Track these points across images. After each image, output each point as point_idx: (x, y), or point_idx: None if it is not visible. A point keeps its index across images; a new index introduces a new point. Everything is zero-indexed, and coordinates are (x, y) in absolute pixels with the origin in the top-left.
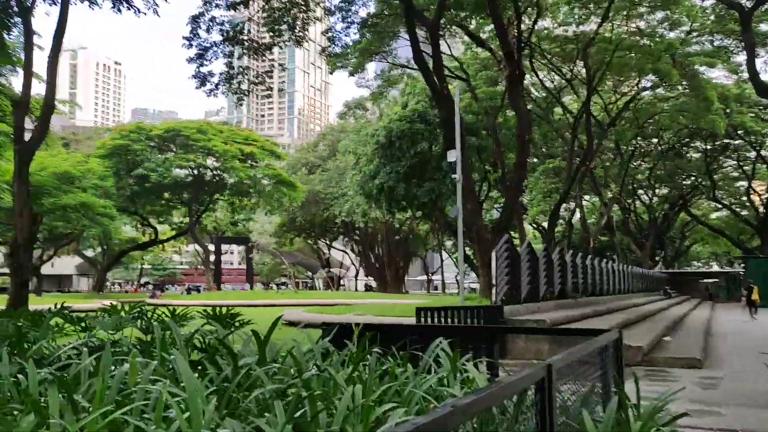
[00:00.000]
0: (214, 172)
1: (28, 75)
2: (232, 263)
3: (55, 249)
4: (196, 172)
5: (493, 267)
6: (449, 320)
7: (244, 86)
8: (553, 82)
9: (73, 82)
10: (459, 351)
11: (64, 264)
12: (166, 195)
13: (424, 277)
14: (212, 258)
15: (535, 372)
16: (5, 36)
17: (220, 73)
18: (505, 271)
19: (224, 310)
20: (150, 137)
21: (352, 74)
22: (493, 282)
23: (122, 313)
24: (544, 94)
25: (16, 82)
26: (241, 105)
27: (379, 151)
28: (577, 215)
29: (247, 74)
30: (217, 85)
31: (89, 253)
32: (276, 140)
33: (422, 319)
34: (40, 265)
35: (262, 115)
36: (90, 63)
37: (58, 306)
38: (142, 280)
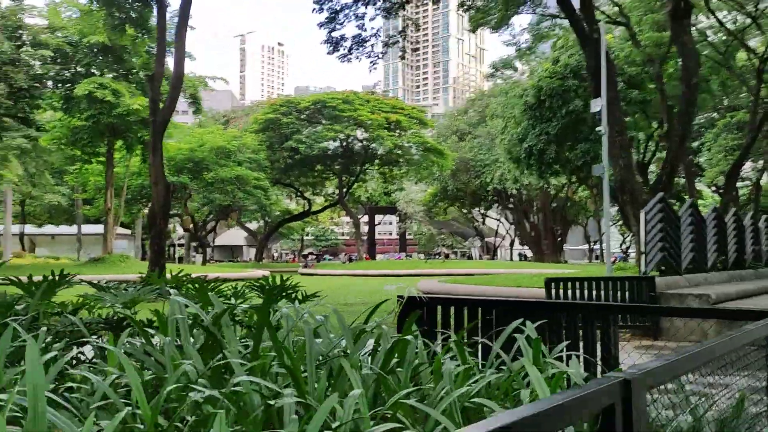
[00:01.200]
0: (363, 143)
1: (161, 50)
2: (390, 233)
3: (216, 221)
4: (345, 143)
5: (641, 230)
6: (585, 294)
7: (378, 49)
8: (735, 22)
9: (242, 65)
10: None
11: (236, 235)
12: (318, 167)
13: (586, 246)
14: (366, 228)
15: (601, 390)
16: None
17: (353, 37)
18: (659, 236)
19: (277, 280)
20: (299, 110)
21: (495, 29)
22: (642, 248)
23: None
24: (723, 37)
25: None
26: (374, 70)
27: (527, 112)
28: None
29: (379, 36)
30: (350, 49)
31: (253, 225)
32: (431, 110)
33: (552, 293)
34: (204, 236)
35: (417, 87)
36: (256, 46)
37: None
38: (306, 251)
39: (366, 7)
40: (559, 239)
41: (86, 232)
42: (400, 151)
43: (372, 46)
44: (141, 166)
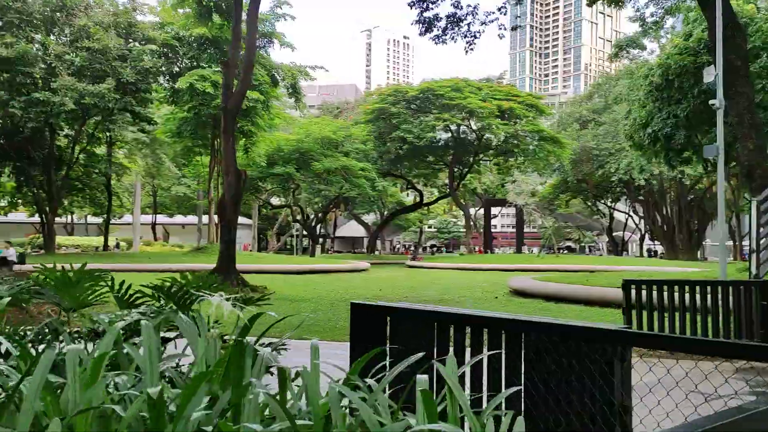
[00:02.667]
0: (475, 132)
1: (236, 38)
2: (510, 226)
3: (324, 212)
4: (456, 132)
5: (751, 224)
6: (667, 298)
7: (475, 27)
8: None
9: (368, 59)
10: None
11: (357, 227)
12: (430, 158)
13: (731, 242)
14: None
15: None
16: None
17: (447, 16)
18: None
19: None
20: (407, 99)
21: (613, 3)
22: (749, 245)
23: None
24: None
25: (274, 54)
26: (471, 51)
27: (653, 94)
28: None
29: (476, 14)
30: (444, 29)
31: (371, 217)
32: (559, 98)
33: (632, 297)
34: (313, 227)
35: (546, 75)
36: (382, 40)
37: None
38: (427, 243)
39: None
40: (695, 234)
41: (207, 222)
42: (515, 141)
43: (468, 25)
44: (244, 157)
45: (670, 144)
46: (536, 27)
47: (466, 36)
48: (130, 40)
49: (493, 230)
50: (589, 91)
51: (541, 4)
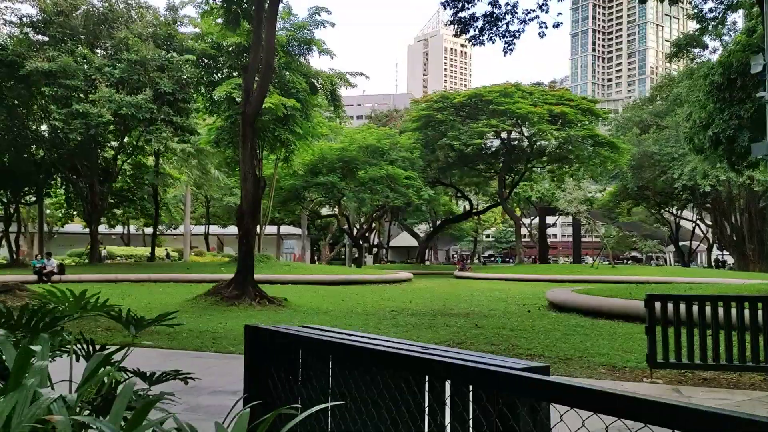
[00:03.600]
0: (526, 138)
1: (256, 42)
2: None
3: (371, 221)
4: (506, 139)
5: None
6: (698, 315)
7: (514, 27)
8: None
9: (425, 68)
10: None
11: (411, 237)
12: (481, 165)
13: None
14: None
15: None
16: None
17: (483, 15)
18: None
19: None
20: (454, 106)
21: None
22: None
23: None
24: None
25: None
26: (510, 52)
27: (713, 94)
28: None
29: (516, 12)
30: (481, 29)
31: (423, 226)
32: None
33: (657, 314)
34: (360, 236)
35: (609, 80)
36: (440, 48)
37: None
38: (486, 253)
39: None
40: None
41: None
42: (569, 147)
43: (507, 24)
44: (284, 166)
45: (732, 147)
46: (598, 31)
47: (504, 36)
48: (170, 51)
49: (554, 239)
50: (651, 93)
51: (604, 8)
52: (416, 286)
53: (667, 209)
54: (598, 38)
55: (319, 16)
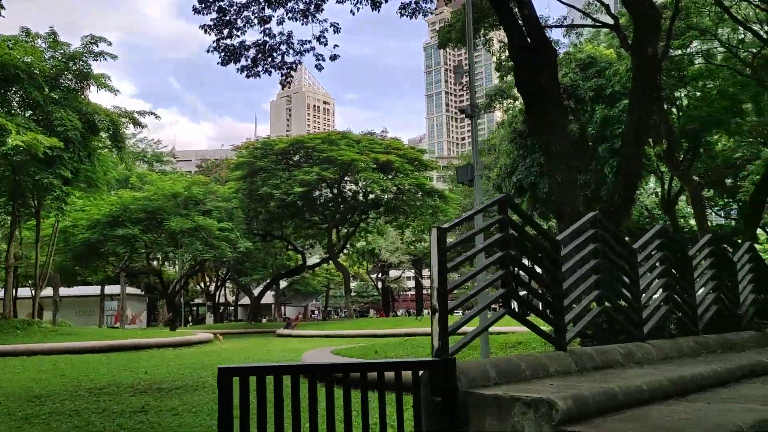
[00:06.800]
0: (358, 188)
1: None
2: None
3: (186, 277)
4: (334, 189)
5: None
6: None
7: (290, 59)
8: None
9: (289, 122)
10: None
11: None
12: (315, 217)
13: None
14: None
15: None
16: None
17: (254, 44)
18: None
19: None
20: (275, 153)
21: (459, 44)
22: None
23: None
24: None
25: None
26: (288, 85)
27: (516, 141)
28: None
29: (292, 42)
30: (254, 60)
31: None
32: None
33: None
34: (174, 294)
35: (462, 138)
36: (302, 104)
37: None
38: (354, 308)
39: (273, 9)
40: None
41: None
42: (403, 197)
43: (283, 55)
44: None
45: (536, 194)
46: (450, 93)
47: (281, 68)
48: None
49: (407, 293)
50: (480, 148)
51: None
52: (204, 349)
53: None
54: (451, 99)
55: (96, 46)
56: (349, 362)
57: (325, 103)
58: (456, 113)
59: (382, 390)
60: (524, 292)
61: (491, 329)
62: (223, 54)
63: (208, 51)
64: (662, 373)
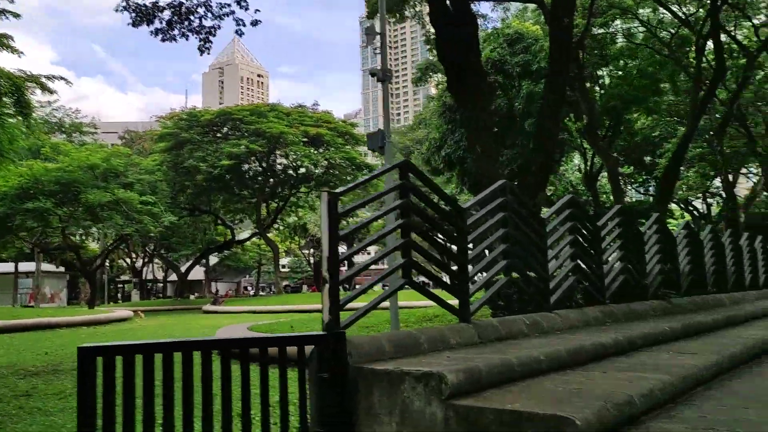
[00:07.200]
0: (291, 163)
1: None
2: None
3: (107, 253)
4: (264, 162)
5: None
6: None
7: (208, 23)
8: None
9: (221, 94)
10: None
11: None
12: (245, 191)
13: None
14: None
15: None
16: None
17: (170, 5)
18: None
19: None
20: (201, 125)
21: (396, 18)
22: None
23: None
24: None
25: None
26: (207, 51)
27: (446, 115)
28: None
29: (210, 6)
30: (170, 22)
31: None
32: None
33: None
34: (93, 270)
35: (398, 113)
36: (236, 77)
37: None
38: (284, 283)
39: None
40: None
41: None
42: (335, 171)
43: (200, 19)
44: None
45: (464, 168)
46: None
47: (198, 32)
48: None
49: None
50: (413, 121)
51: (390, 47)
52: (121, 327)
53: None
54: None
55: None
56: (229, 339)
57: (259, 76)
58: (394, 89)
59: (283, 366)
60: (427, 263)
61: (406, 303)
62: (134, 14)
63: (116, 10)
64: (563, 344)
